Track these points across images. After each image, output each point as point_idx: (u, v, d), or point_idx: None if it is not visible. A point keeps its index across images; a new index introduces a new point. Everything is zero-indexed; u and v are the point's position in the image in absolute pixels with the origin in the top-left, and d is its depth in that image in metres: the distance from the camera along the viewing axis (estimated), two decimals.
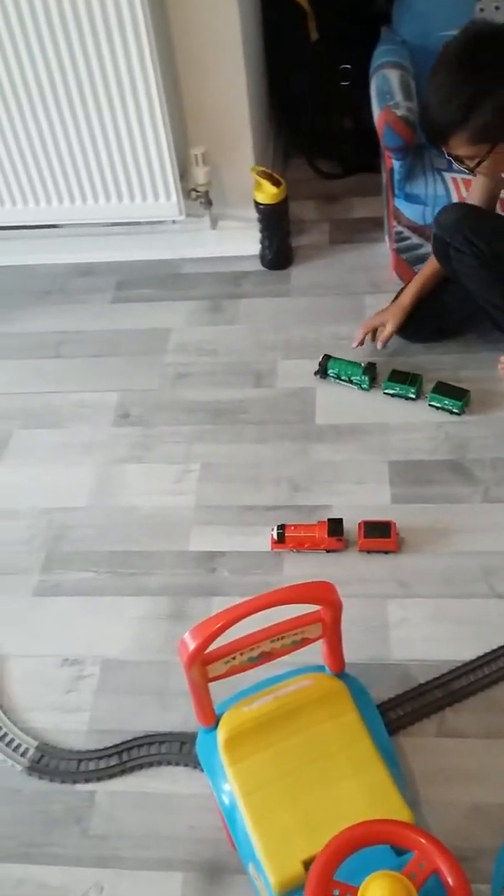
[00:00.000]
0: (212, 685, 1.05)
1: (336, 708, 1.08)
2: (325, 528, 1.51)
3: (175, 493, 1.66)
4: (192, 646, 0.97)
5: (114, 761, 1.27)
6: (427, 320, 1.84)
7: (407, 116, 1.75)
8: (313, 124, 2.38)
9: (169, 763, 1.27)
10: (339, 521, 1.52)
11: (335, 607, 1.03)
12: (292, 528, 1.52)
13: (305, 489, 1.64)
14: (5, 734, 1.31)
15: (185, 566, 1.54)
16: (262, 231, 2.08)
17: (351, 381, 1.81)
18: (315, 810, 0.99)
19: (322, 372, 1.83)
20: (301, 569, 1.50)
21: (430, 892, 0.83)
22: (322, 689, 1.09)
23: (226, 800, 1.04)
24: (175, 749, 1.27)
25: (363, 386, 1.80)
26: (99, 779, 1.26)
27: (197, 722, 1.10)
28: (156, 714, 1.33)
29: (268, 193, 2.00)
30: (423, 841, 0.84)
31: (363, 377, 1.79)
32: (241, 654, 1.03)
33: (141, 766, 1.27)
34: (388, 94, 1.79)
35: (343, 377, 1.81)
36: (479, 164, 1.45)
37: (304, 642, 1.07)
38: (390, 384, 1.77)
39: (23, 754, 1.29)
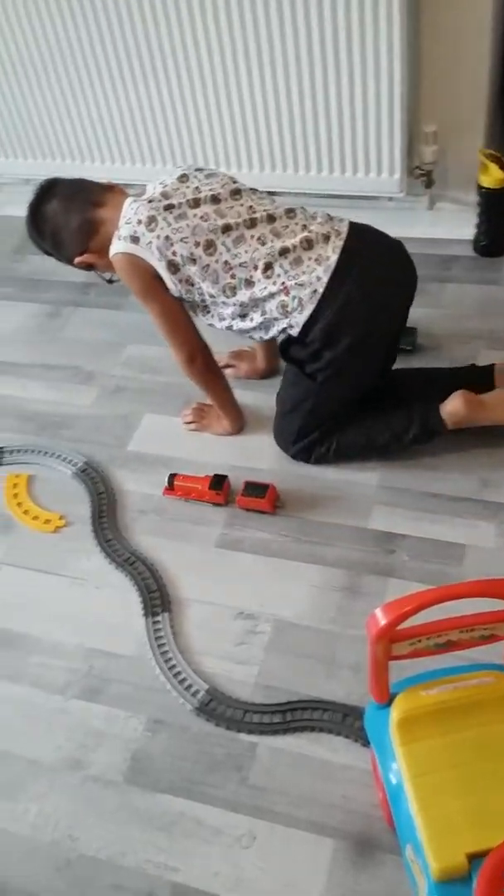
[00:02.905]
0: None
1: None
2: (208, 482, 1.61)
3: (359, 470, 1.67)
4: (383, 621, 0.98)
5: (277, 718, 1.31)
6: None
7: None
8: None
9: (330, 731, 1.29)
10: (224, 476, 1.64)
11: None
12: (181, 478, 1.65)
13: (495, 485, 1.59)
14: (179, 672, 1.38)
15: (364, 543, 1.54)
16: (480, 215, 2.02)
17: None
18: (483, 807, 0.98)
19: None
20: (485, 565, 1.47)
21: None
22: (503, 690, 1.07)
23: (393, 779, 1.05)
24: (338, 719, 1.29)
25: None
26: (262, 732, 1.30)
27: (366, 697, 1.11)
28: (321, 682, 1.36)
29: (494, 177, 1.93)
30: None
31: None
32: (428, 639, 1.03)
33: (303, 729, 1.30)
34: None
35: None
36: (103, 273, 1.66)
37: (493, 638, 1.05)
38: None
39: (193, 695, 1.35)
